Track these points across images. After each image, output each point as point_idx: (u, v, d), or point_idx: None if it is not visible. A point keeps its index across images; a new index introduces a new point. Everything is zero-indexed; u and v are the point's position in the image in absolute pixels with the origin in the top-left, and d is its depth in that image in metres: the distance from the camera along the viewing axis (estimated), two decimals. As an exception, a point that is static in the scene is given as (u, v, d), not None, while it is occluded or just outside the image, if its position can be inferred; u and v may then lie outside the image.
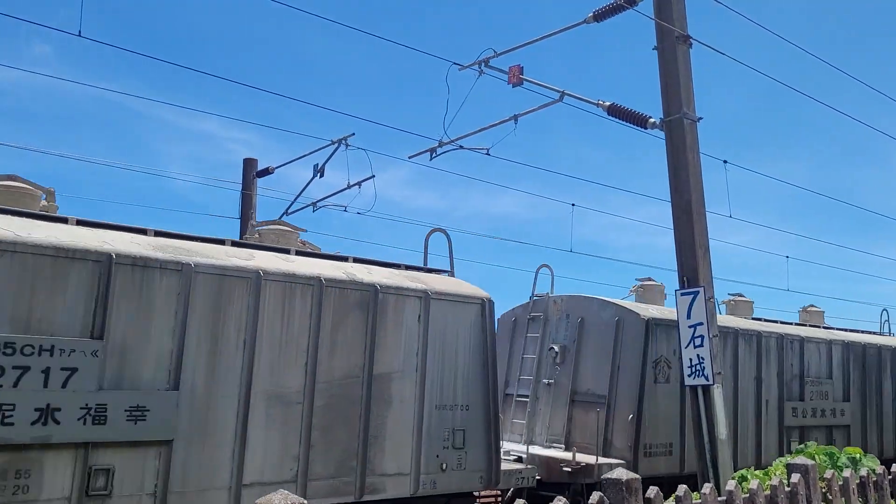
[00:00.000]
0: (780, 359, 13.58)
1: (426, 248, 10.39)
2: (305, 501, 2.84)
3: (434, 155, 11.39)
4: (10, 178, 7.72)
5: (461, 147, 11.20)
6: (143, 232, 7.49)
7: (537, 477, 10.20)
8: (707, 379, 8.66)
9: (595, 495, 3.67)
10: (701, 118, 9.33)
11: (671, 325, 11.66)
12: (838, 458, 6.98)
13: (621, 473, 3.86)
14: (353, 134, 13.18)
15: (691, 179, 9.10)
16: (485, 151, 11.19)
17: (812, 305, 16.84)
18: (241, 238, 11.87)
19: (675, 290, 9.11)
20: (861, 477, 5.64)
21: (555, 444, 11.77)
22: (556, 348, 12.16)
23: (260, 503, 2.73)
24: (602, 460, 10.61)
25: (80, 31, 8.00)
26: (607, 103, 9.70)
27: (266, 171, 15.10)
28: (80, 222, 7.23)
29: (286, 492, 2.82)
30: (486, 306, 9.39)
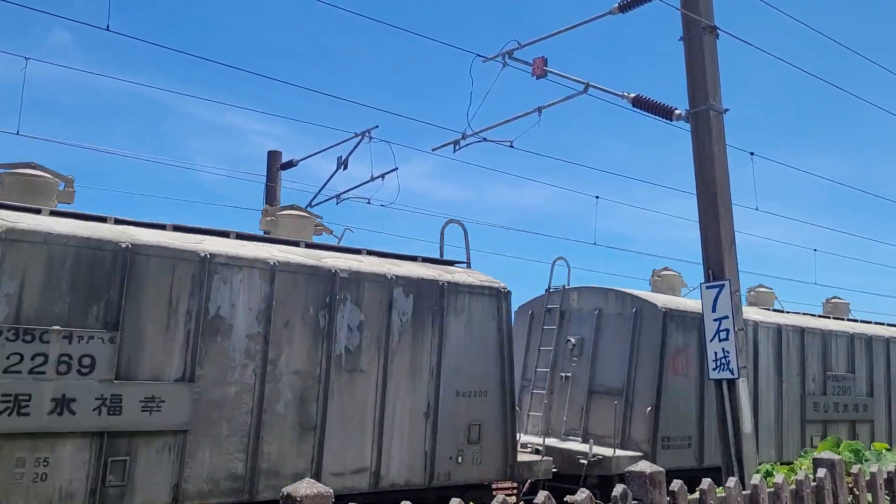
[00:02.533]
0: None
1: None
2: (331, 490, 2.87)
3: (457, 147, 11.38)
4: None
5: (485, 139, 11.18)
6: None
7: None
8: (732, 373, 8.60)
9: (619, 488, 3.67)
10: (727, 110, 9.24)
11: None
12: (864, 453, 6.91)
13: (645, 466, 3.85)
14: (377, 126, 13.20)
15: (717, 171, 9.01)
16: (508, 144, 11.17)
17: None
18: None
19: (701, 283, 9.05)
20: (888, 472, 5.57)
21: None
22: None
23: (287, 491, 2.78)
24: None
25: (108, 26, 8.11)
26: (632, 95, 9.63)
27: (290, 164, 15.19)
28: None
29: (312, 480, 2.86)
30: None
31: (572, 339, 12.09)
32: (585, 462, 10.34)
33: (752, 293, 14.67)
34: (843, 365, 14.04)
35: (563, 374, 12.18)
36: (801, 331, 13.41)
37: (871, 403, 14.38)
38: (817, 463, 5.05)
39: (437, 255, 10.06)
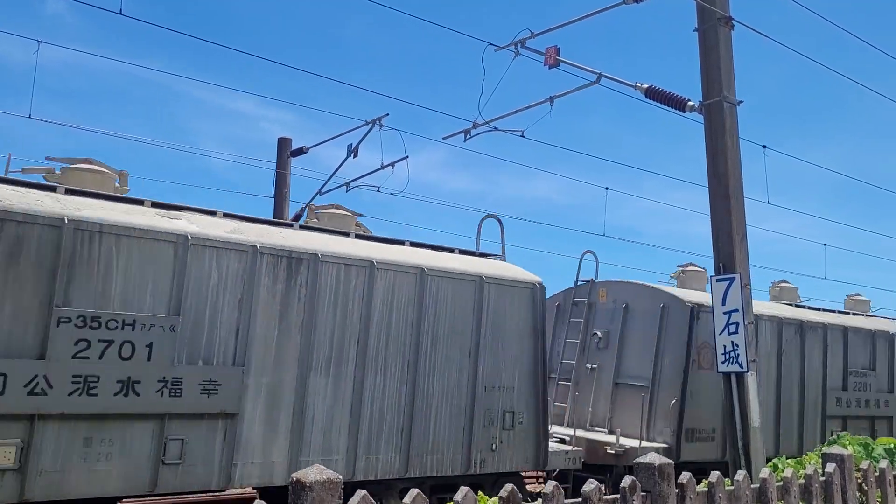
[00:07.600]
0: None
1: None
2: (340, 476, 2.87)
3: (468, 136, 11.35)
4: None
5: (496, 129, 11.14)
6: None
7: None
8: (741, 366, 8.58)
9: (627, 479, 3.66)
10: (741, 102, 9.16)
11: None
12: (874, 448, 6.87)
13: (654, 458, 3.84)
14: (388, 114, 13.19)
15: (730, 164, 8.95)
16: (520, 133, 11.13)
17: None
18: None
19: (711, 276, 9.02)
20: (898, 469, 5.54)
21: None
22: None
23: (296, 476, 2.77)
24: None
25: (120, 9, 8.11)
26: (645, 86, 9.56)
27: (300, 151, 15.19)
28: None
29: (322, 467, 2.86)
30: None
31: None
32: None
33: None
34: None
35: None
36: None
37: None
38: (826, 458, 5.03)
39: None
